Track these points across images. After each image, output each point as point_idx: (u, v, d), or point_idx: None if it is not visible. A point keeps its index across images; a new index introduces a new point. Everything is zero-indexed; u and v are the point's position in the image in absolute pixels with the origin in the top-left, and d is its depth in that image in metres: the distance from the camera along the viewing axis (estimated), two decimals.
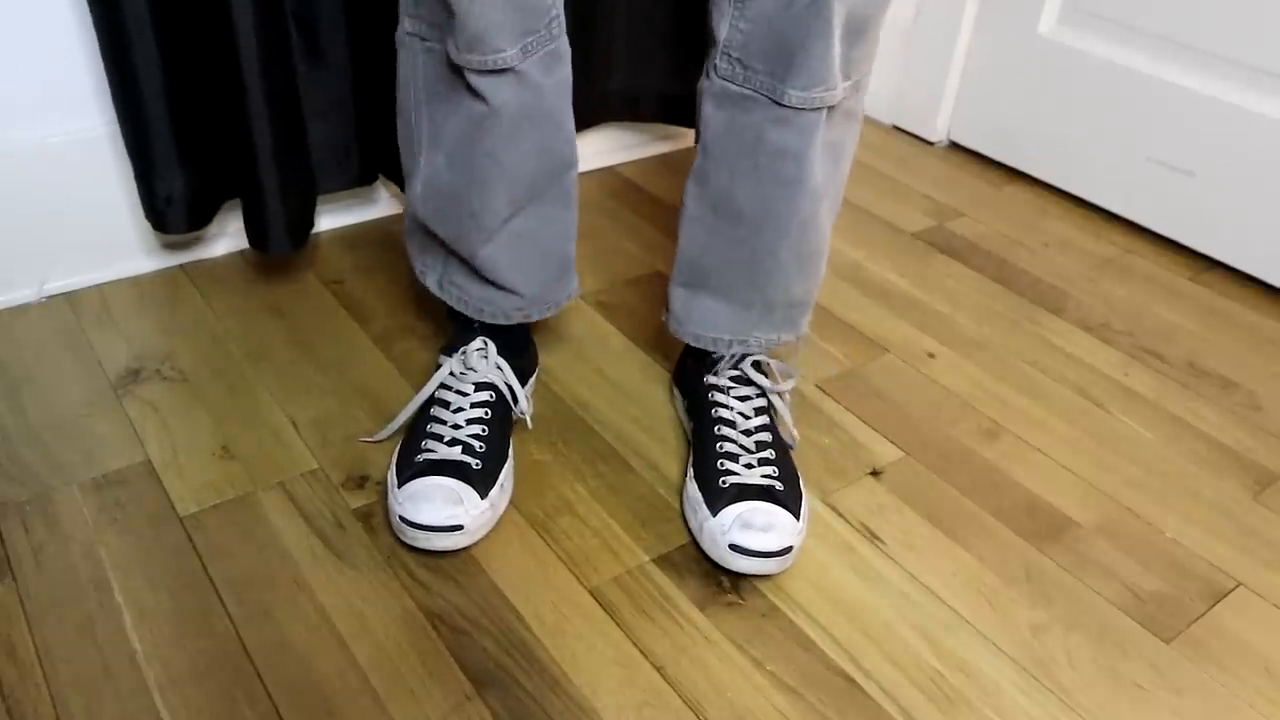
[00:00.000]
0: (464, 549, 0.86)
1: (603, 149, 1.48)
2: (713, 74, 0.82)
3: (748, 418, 0.92)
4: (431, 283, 0.97)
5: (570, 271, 0.96)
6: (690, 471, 0.91)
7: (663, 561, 0.87)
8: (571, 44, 1.26)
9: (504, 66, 0.79)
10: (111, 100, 1.02)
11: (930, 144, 1.64)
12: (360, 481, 0.92)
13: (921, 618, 0.83)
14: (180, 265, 1.20)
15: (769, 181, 0.84)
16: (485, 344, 0.93)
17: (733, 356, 0.94)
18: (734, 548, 0.83)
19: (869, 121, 1.71)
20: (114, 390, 1.01)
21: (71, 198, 1.09)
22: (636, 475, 0.95)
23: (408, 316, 1.14)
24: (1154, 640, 0.83)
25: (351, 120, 1.16)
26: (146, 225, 1.15)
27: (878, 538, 0.91)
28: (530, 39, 0.80)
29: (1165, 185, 1.38)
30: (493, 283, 0.92)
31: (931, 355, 1.15)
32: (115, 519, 0.87)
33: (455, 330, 0.98)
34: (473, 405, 0.91)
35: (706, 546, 0.86)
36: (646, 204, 1.40)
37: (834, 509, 0.93)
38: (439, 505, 0.83)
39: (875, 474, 0.98)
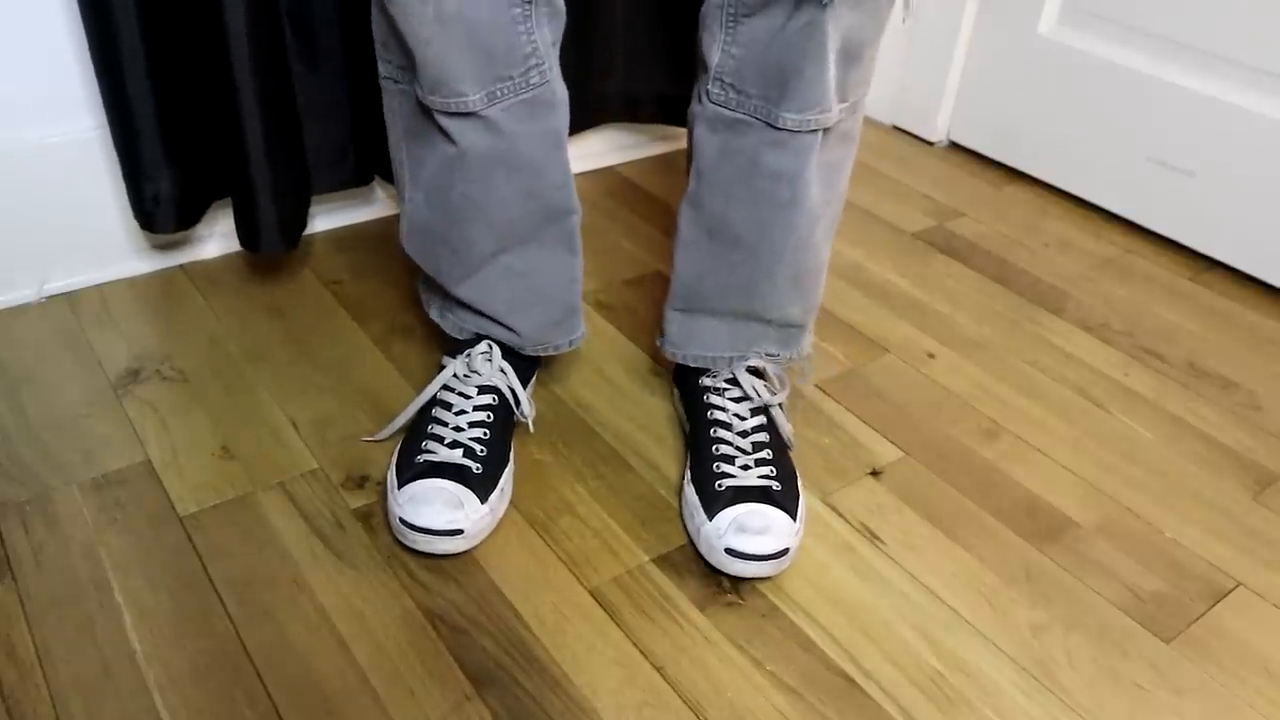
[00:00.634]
0: (463, 553, 0.86)
1: (602, 149, 1.48)
2: (705, 99, 0.82)
3: (744, 419, 0.92)
4: (434, 312, 0.98)
5: (574, 317, 0.95)
6: (687, 474, 0.91)
7: (663, 562, 0.87)
8: (571, 45, 1.26)
9: (466, 110, 0.79)
10: (100, 99, 1.02)
11: (930, 144, 1.64)
12: (360, 481, 0.92)
13: (921, 618, 0.83)
14: (180, 265, 1.20)
15: (764, 204, 0.84)
16: (490, 347, 0.93)
17: (730, 368, 0.95)
18: (730, 552, 0.83)
19: (869, 121, 1.70)
20: (114, 390, 1.01)
21: (71, 198, 1.09)
22: (636, 475, 0.95)
23: (408, 316, 1.14)
24: (1154, 640, 0.83)
25: (348, 121, 1.16)
26: None
27: (878, 538, 0.91)
28: (499, 85, 0.78)
29: (1165, 185, 1.38)
30: (485, 315, 0.93)
31: (931, 355, 1.15)
32: (115, 519, 0.87)
33: None
34: (475, 408, 0.91)
35: (704, 550, 0.86)
36: (646, 204, 1.40)
37: (834, 509, 0.93)
38: (439, 509, 0.83)
39: (875, 474, 0.98)
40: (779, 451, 0.91)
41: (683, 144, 1.56)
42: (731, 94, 0.80)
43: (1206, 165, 1.32)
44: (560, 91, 0.82)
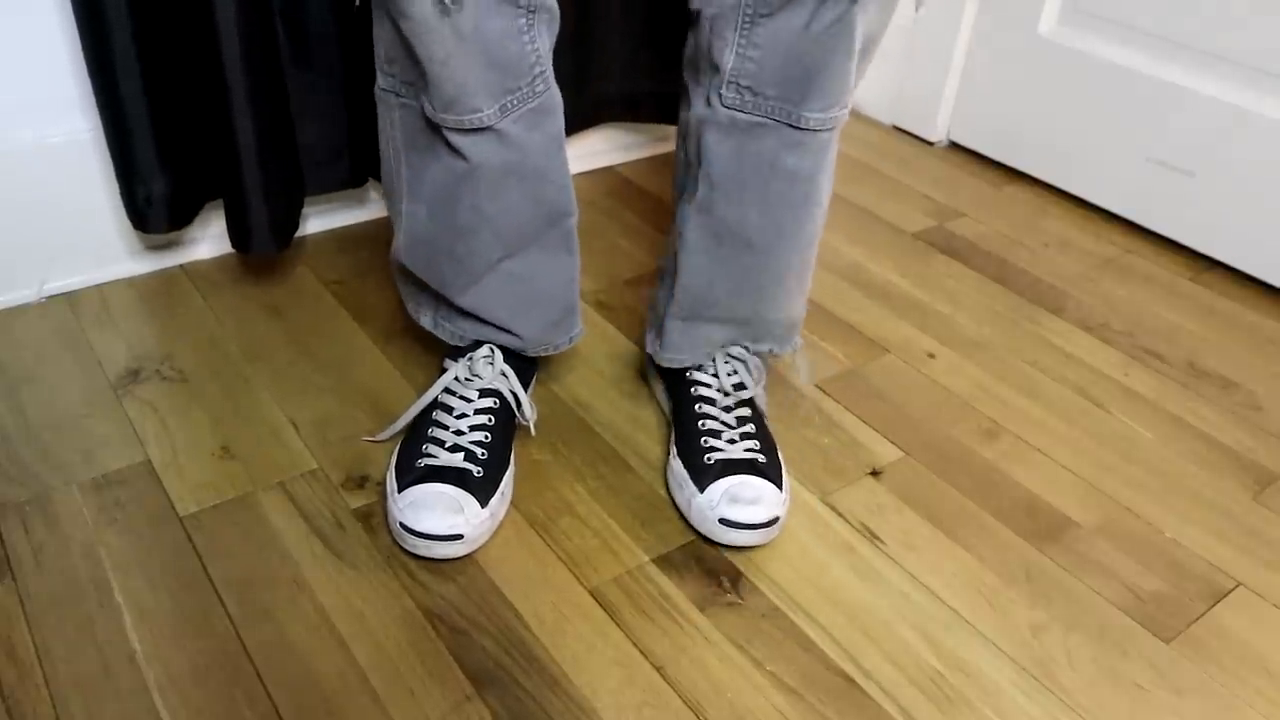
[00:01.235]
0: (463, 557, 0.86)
1: (601, 149, 1.48)
2: (716, 103, 0.80)
3: (726, 394, 0.94)
4: (426, 321, 0.96)
5: (573, 315, 0.95)
6: (673, 449, 0.93)
7: (662, 561, 0.87)
8: (570, 46, 1.26)
9: (481, 126, 0.78)
10: (94, 99, 1.02)
11: (930, 144, 1.64)
12: (360, 481, 0.92)
13: (921, 618, 0.83)
14: (180, 266, 1.20)
15: (780, 206, 0.84)
16: (492, 351, 0.93)
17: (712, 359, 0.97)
18: (724, 521, 0.85)
19: (869, 121, 1.71)
20: (114, 390, 1.01)
21: (71, 198, 1.09)
22: (636, 475, 0.95)
23: (407, 316, 1.14)
24: (1154, 640, 0.83)
25: (342, 122, 1.15)
26: None
27: (878, 538, 0.91)
28: (510, 97, 0.78)
29: (1165, 185, 1.38)
30: (487, 322, 0.92)
31: (931, 355, 1.15)
32: (115, 519, 0.87)
33: None
34: (476, 412, 0.90)
35: (695, 522, 0.88)
36: (645, 203, 1.40)
37: (834, 509, 0.93)
38: (439, 514, 0.83)
39: (875, 474, 0.98)
40: (759, 425, 0.93)
41: None
42: (748, 97, 0.79)
43: (1206, 165, 1.32)
44: (558, 95, 0.83)
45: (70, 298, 1.13)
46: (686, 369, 0.96)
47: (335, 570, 0.84)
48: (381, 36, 0.80)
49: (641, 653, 0.79)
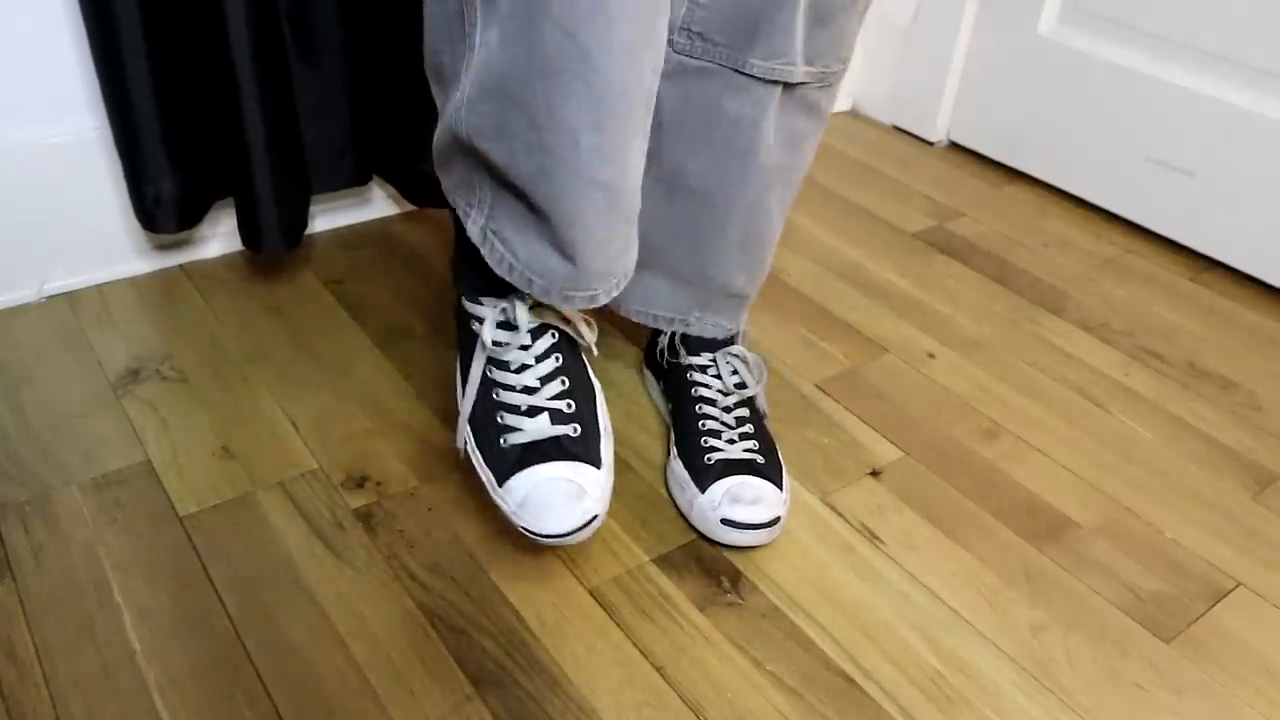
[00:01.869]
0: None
1: None
2: (668, 50, 0.80)
3: (726, 394, 0.94)
4: (474, 229, 0.75)
5: (635, 227, 0.75)
6: (673, 450, 0.93)
7: (662, 561, 0.87)
8: None
9: None
10: (102, 99, 1.02)
11: (930, 144, 1.64)
12: (360, 481, 0.92)
13: (921, 618, 0.83)
14: (180, 265, 1.20)
15: (722, 150, 0.84)
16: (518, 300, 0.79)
17: (674, 334, 0.96)
18: (726, 522, 0.85)
19: (869, 121, 1.71)
20: (114, 390, 1.01)
21: (72, 198, 1.09)
22: (636, 475, 0.95)
23: (408, 316, 1.14)
24: (1154, 640, 0.83)
25: (347, 121, 1.16)
26: None
27: (878, 538, 0.91)
28: None
29: (1165, 185, 1.38)
30: (554, 239, 0.71)
31: (931, 355, 1.15)
32: (115, 519, 0.87)
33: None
34: (538, 359, 0.78)
35: (697, 522, 0.88)
36: None
37: (834, 509, 0.93)
38: (564, 508, 0.73)
39: (875, 474, 0.98)
40: (759, 425, 0.93)
41: None
42: (698, 42, 0.79)
43: (1206, 165, 1.32)
44: None
45: (70, 298, 1.13)
46: (687, 368, 0.96)
47: (335, 570, 0.84)
48: None
49: (641, 653, 0.79)
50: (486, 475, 0.78)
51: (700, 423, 0.92)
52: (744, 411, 0.93)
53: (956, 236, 1.39)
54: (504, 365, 0.78)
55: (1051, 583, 0.87)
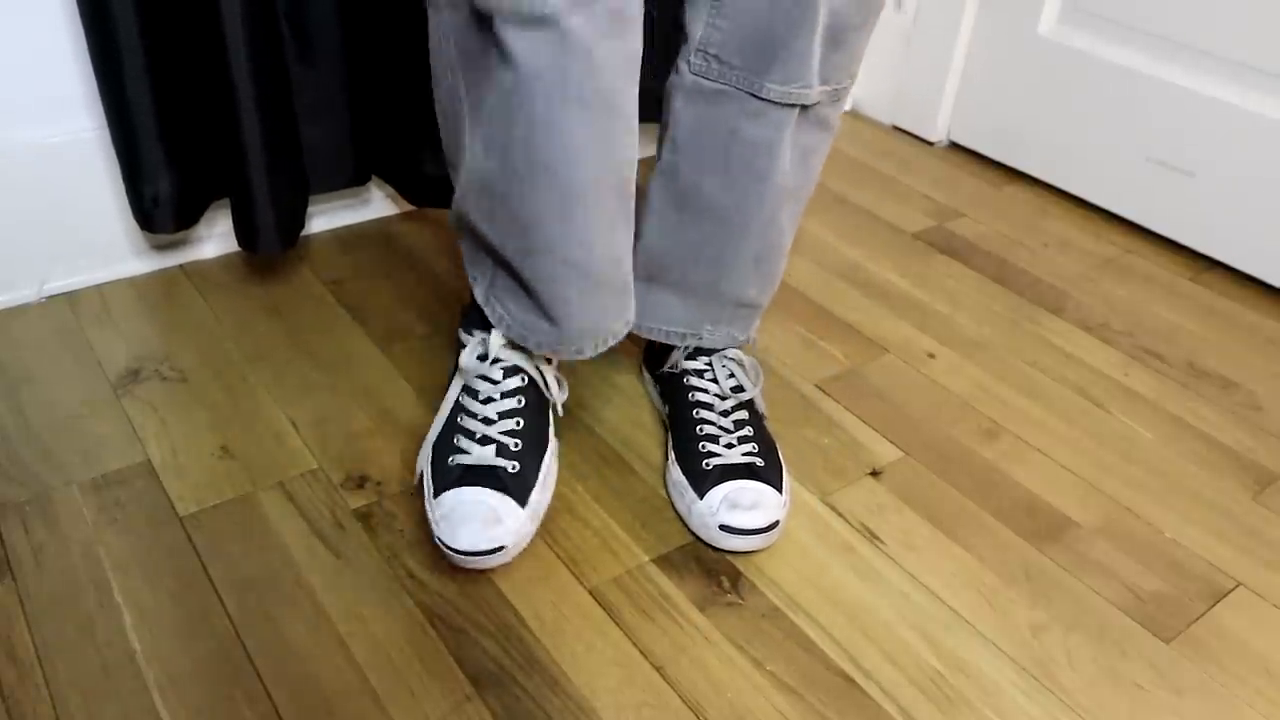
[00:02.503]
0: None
1: None
2: (684, 70, 0.81)
3: (724, 398, 0.94)
4: (479, 291, 0.87)
5: (627, 294, 0.85)
6: (671, 455, 0.93)
7: (662, 561, 0.87)
8: None
9: (544, 13, 0.65)
10: (100, 100, 1.02)
11: (930, 144, 1.64)
12: (360, 481, 0.92)
13: (921, 618, 0.83)
14: (180, 266, 1.20)
15: (739, 173, 0.84)
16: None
17: (686, 349, 0.95)
18: (724, 528, 0.85)
19: (869, 121, 1.71)
20: (113, 390, 1.01)
21: (71, 198, 1.09)
22: (636, 475, 0.95)
23: (407, 316, 1.14)
24: (1154, 640, 0.83)
25: (345, 121, 1.16)
26: None
27: (878, 538, 0.91)
28: None
29: (1165, 185, 1.38)
30: (539, 307, 0.82)
31: (931, 355, 1.15)
32: (115, 519, 0.87)
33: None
34: (504, 395, 0.86)
35: (696, 528, 0.88)
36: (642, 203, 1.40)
37: (834, 509, 0.93)
38: (477, 528, 0.80)
39: (875, 474, 0.98)
40: (758, 428, 0.93)
41: None
42: (714, 65, 0.80)
43: (1206, 165, 1.32)
44: (642, 3, 0.70)
45: (70, 298, 1.13)
46: (684, 373, 0.96)
47: (335, 570, 0.84)
48: None
49: (641, 652, 0.79)
50: (429, 486, 0.85)
51: (698, 427, 0.92)
52: (743, 414, 0.93)
53: (956, 236, 1.39)
54: (474, 394, 0.87)
55: (1051, 583, 0.87)
